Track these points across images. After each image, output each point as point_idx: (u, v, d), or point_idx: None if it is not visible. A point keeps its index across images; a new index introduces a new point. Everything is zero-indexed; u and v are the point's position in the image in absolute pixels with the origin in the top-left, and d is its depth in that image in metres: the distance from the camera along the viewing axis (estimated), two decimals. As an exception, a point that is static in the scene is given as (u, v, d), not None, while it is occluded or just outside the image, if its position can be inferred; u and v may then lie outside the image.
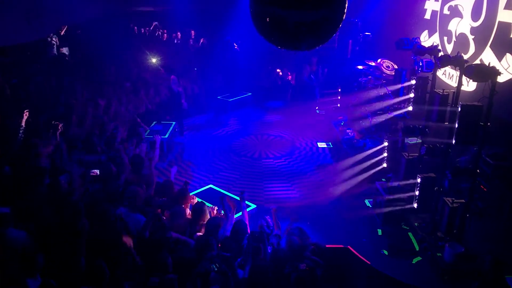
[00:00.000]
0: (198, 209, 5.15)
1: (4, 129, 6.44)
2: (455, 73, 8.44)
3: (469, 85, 8.02)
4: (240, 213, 5.42)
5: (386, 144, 8.51)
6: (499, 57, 7.42)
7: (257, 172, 9.25)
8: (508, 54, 7.22)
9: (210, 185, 7.35)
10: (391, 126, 8.98)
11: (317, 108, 12.94)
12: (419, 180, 6.96)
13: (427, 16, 10.40)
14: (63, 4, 11.57)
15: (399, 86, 8.61)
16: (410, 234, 6.97)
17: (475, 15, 8.24)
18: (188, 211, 5.36)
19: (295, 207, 7.47)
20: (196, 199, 5.88)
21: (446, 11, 9.44)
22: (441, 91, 6.54)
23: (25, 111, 6.13)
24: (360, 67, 11.04)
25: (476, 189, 6.29)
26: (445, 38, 9.43)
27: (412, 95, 8.30)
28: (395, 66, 10.26)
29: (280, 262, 4.35)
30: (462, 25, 8.75)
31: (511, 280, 4.53)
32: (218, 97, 13.16)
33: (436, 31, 9.90)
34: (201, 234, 4.89)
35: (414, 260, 6.40)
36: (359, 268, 5.59)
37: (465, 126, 5.82)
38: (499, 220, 6.65)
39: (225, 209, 5.18)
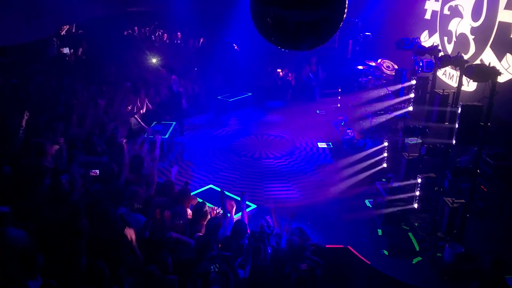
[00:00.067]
0: (199, 209, 5.15)
1: (4, 129, 6.43)
2: (455, 73, 8.44)
3: (469, 85, 8.02)
4: (240, 213, 5.42)
5: (386, 144, 8.51)
6: (500, 57, 7.41)
7: (257, 172, 9.25)
8: (508, 54, 7.21)
9: (210, 185, 7.34)
10: (391, 126, 8.98)
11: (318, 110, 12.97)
12: (419, 180, 6.96)
13: (427, 16, 10.40)
14: (63, 4, 11.57)
15: (399, 86, 8.61)
16: (410, 234, 6.97)
17: (475, 15, 8.24)
18: (189, 211, 5.36)
19: (295, 207, 7.46)
20: (197, 199, 5.88)
21: (446, 11, 9.44)
22: (441, 91, 6.54)
23: (26, 112, 6.13)
24: (360, 67, 11.05)
25: (476, 189, 6.29)
26: (445, 38, 9.43)
27: (412, 95, 8.30)
28: (395, 66, 10.26)
29: (280, 262, 4.35)
30: (462, 25, 8.75)
31: (511, 280, 4.53)
32: (218, 97, 13.16)
33: (436, 31, 9.90)
34: (201, 234, 4.89)
35: (414, 260, 6.40)
36: (359, 268, 5.59)
37: (465, 126, 5.82)
38: (499, 220, 6.65)
39: (224, 208, 5.19)
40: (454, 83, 8.49)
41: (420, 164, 7.18)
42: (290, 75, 13.90)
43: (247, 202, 5.97)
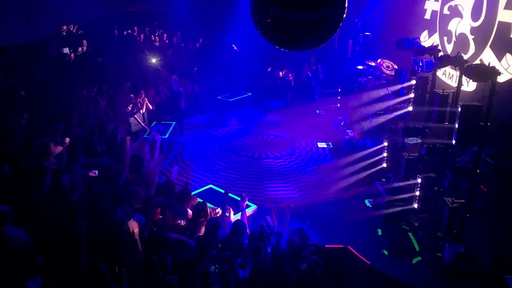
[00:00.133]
0: (199, 209, 5.15)
1: (4, 129, 6.43)
2: (455, 73, 8.44)
3: (469, 85, 8.03)
4: (240, 214, 5.41)
5: (386, 144, 8.51)
6: (499, 57, 7.42)
7: (257, 172, 9.26)
8: (508, 54, 7.22)
9: (210, 185, 7.34)
10: (391, 126, 8.99)
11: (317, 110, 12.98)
12: (419, 180, 6.96)
13: (427, 16, 10.41)
14: (63, 4, 11.58)
15: (399, 86, 8.62)
16: (410, 234, 6.97)
17: (475, 15, 8.25)
18: (189, 211, 5.36)
19: (295, 207, 7.46)
20: (197, 199, 5.88)
21: (446, 11, 9.44)
22: (441, 91, 6.54)
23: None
24: (360, 67, 11.05)
25: (476, 189, 6.29)
26: (445, 38, 9.43)
27: (412, 95, 8.30)
28: (395, 66, 10.27)
29: (280, 262, 4.35)
30: (462, 25, 8.75)
31: (511, 280, 4.53)
32: (218, 97, 13.17)
33: (436, 31, 9.90)
34: (201, 234, 4.89)
35: (414, 260, 6.40)
36: (359, 268, 5.59)
37: (465, 126, 5.83)
38: (499, 220, 6.65)
39: (224, 209, 5.19)
40: (454, 83, 8.49)
41: (420, 164, 7.19)
42: (290, 75, 13.91)
43: (247, 202, 5.97)
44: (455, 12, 9.03)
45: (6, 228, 3.92)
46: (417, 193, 7.06)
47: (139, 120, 9.69)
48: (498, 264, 4.37)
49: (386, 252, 6.53)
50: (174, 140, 10.47)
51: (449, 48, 9.19)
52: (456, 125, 5.92)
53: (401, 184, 7.25)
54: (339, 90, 13.17)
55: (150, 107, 10.23)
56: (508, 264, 4.64)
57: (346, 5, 3.31)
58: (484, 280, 4.42)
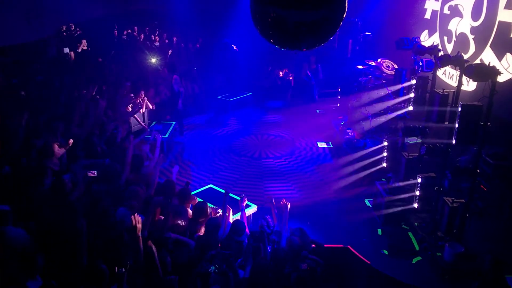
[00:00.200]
0: (200, 209, 5.15)
1: (4, 129, 6.43)
2: (455, 73, 8.44)
3: (469, 85, 8.03)
4: (239, 214, 5.41)
5: (386, 143, 8.51)
6: (499, 56, 7.42)
7: (257, 172, 9.25)
8: (508, 54, 7.22)
9: (210, 185, 7.34)
10: (391, 126, 8.99)
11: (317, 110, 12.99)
12: (419, 180, 6.96)
13: (427, 15, 10.41)
14: (63, 4, 11.58)
15: (399, 86, 8.62)
16: (410, 234, 6.97)
17: (475, 14, 8.24)
18: (189, 211, 5.37)
19: (295, 207, 7.46)
20: (197, 199, 5.88)
21: (446, 10, 9.44)
22: (441, 91, 6.54)
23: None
24: (360, 66, 11.05)
25: (476, 189, 6.29)
26: (445, 38, 9.43)
27: (412, 95, 8.30)
28: (395, 66, 10.27)
29: (281, 262, 4.35)
30: (462, 25, 8.75)
31: (511, 280, 4.53)
32: (218, 97, 13.17)
33: (436, 31, 9.90)
34: (201, 234, 4.89)
35: (414, 260, 6.40)
36: (359, 268, 5.59)
37: (465, 126, 5.82)
38: (499, 219, 6.66)
39: (225, 209, 5.19)
40: (454, 83, 8.49)
41: (420, 164, 7.18)
42: (290, 75, 13.91)
43: (247, 202, 5.97)
44: (455, 11, 9.03)
45: (6, 228, 3.92)
46: (417, 192, 7.06)
47: (139, 120, 9.69)
48: (498, 264, 4.37)
49: (386, 252, 6.53)
50: (174, 140, 10.48)
51: (449, 47, 9.19)
52: (456, 125, 5.92)
53: (401, 184, 7.25)
54: (339, 89, 13.18)
55: (150, 106, 10.24)
56: (508, 264, 4.64)
57: (346, 5, 3.31)
58: (484, 280, 4.42)
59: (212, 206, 5.50)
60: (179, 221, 4.99)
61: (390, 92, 9.05)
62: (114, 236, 4.14)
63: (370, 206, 7.81)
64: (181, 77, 11.72)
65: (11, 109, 7.12)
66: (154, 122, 10.19)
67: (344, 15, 3.34)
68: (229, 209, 5.23)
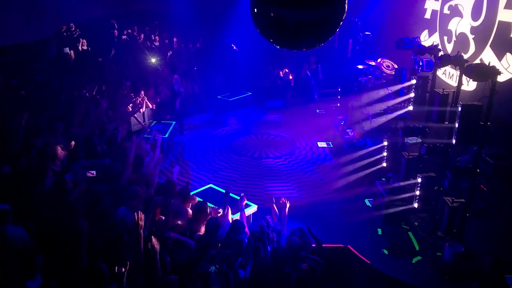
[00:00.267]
0: (200, 209, 5.15)
1: (4, 129, 6.44)
2: (455, 73, 8.44)
3: (469, 85, 8.03)
4: (239, 214, 5.41)
5: (386, 143, 8.51)
6: (499, 56, 7.41)
7: (257, 171, 9.25)
8: (508, 54, 7.21)
9: (210, 185, 7.35)
10: (391, 126, 8.99)
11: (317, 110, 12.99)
12: (419, 179, 6.96)
13: (427, 15, 10.40)
14: (63, 4, 11.58)
15: (399, 86, 8.62)
16: (410, 233, 6.97)
17: (475, 14, 8.24)
18: (189, 211, 5.37)
19: (295, 207, 7.46)
20: (197, 199, 5.88)
21: (446, 10, 9.44)
22: (441, 91, 6.54)
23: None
24: (360, 66, 11.05)
25: (476, 189, 6.29)
26: (445, 38, 9.43)
27: (412, 94, 8.30)
28: (395, 66, 10.27)
29: (281, 262, 4.35)
30: (462, 25, 8.75)
31: (511, 280, 4.53)
32: (218, 96, 13.17)
33: (436, 31, 9.90)
34: (201, 234, 4.89)
35: (414, 260, 6.40)
36: (359, 268, 5.59)
37: (465, 126, 5.82)
38: (499, 219, 6.66)
39: (225, 209, 5.19)
40: (454, 83, 8.49)
41: (420, 164, 7.18)
42: (290, 75, 13.91)
43: (247, 202, 5.97)
44: (455, 11, 9.03)
45: (6, 227, 3.92)
46: (417, 192, 7.06)
47: (139, 120, 9.70)
48: (498, 263, 4.37)
49: (386, 252, 6.54)
50: (174, 139, 10.48)
51: (449, 47, 9.19)
52: (456, 125, 5.92)
53: (401, 183, 7.25)
54: (339, 89, 13.18)
55: (150, 106, 10.24)
56: (508, 263, 4.64)
57: (346, 4, 3.31)
58: (484, 280, 4.42)
59: (212, 206, 5.50)
60: (179, 221, 4.99)
61: (390, 92, 9.05)
62: (114, 236, 4.14)
63: (370, 206, 7.81)
64: (181, 77, 11.72)
65: (11, 109, 7.12)
66: (154, 122, 10.19)
67: (344, 15, 3.34)
68: (229, 209, 5.24)
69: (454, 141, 6.04)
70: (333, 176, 8.88)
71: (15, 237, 3.89)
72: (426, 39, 10.16)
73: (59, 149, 5.81)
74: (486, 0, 7.88)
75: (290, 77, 13.79)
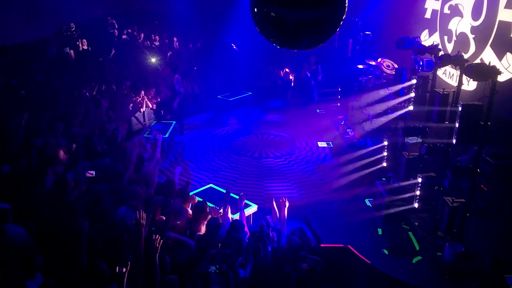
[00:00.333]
0: (200, 208, 5.15)
1: (4, 129, 6.44)
2: (456, 73, 8.44)
3: (470, 85, 8.02)
4: (238, 214, 5.41)
5: (386, 143, 8.51)
6: (500, 56, 7.41)
7: (257, 171, 9.25)
8: (508, 53, 7.21)
9: (211, 185, 7.35)
10: (391, 126, 8.98)
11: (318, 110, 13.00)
12: (419, 179, 6.95)
13: (428, 15, 10.40)
14: (63, 4, 11.58)
15: (399, 86, 8.61)
16: (410, 233, 6.97)
17: (475, 14, 8.24)
18: (189, 211, 5.36)
19: (295, 207, 7.46)
20: (197, 199, 5.88)
21: (446, 10, 9.43)
22: (442, 91, 6.53)
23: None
24: (360, 66, 11.04)
25: (477, 189, 6.29)
26: (446, 37, 9.43)
27: (412, 94, 8.30)
28: (396, 66, 10.26)
29: (281, 262, 4.35)
30: (462, 24, 8.74)
31: (511, 280, 4.53)
32: (219, 96, 13.17)
33: (436, 30, 9.89)
34: (201, 234, 4.89)
35: (414, 260, 6.39)
36: (359, 268, 5.58)
37: (465, 126, 5.82)
38: (499, 219, 6.65)
39: (225, 209, 5.19)
40: (454, 82, 8.49)
41: (420, 164, 7.18)
42: (290, 75, 13.91)
43: (247, 202, 5.96)
44: (456, 11, 9.03)
45: (6, 226, 3.93)
46: (418, 192, 7.06)
47: (139, 120, 9.69)
48: (498, 263, 4.37)
49: (386, 252, 6.53)
50: (174, 139, 10.47)
51: (450, 47, 9.18)
52: (457, 125, 5.91)
53: (401, 183, 7.25)
54: (339, 89, 13.18)
55: (150, 105, 10.24)
56: (508, 263, 4.64)
57: (346, 4, 3.31)
58: (484, 280, 4.42)
59: (212, 205, 5.50)
60: (179, 221, 4.99)
61: (390, 92, 9.05)
62: (114, 236, 4.14)
63: (370, 206, 7.80)
64: (182, 76, 11.72)
65: (11, 109, 7.13)
66: (154, 122, 10.19)
67: (344, 15, 3.34)
68: (229, 208, 5.23)
69: (454, 141, 6.04)
70: (333, 176, 8.88)
71: (15, 237, 3.90)
72: (426, 39, 10.16)
73: (61, 153, 5.82)
74: (486, 0, 7.87)
75: (291, 77, 13.78)
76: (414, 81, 8.10)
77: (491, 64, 5.73)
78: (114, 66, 11.96)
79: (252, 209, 6.43)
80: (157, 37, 14.84)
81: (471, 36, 8.38)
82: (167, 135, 9.57)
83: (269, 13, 3.25)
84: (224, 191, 5.46)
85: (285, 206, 5.14)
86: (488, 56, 7.64)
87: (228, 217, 5.12)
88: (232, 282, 3.88)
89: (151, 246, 3.77)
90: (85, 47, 12.20)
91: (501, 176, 6.53)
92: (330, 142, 10.63)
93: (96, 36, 12.73)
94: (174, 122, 10.43)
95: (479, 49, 8.05)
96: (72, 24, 11.94)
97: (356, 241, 6.47)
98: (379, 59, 10.66)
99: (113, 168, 5.80)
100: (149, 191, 5.47)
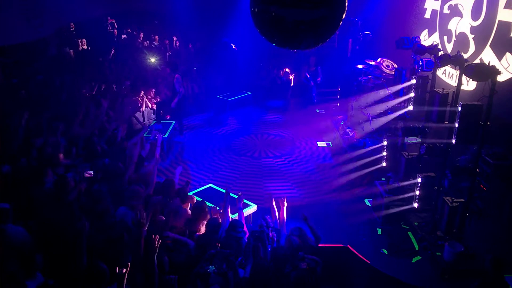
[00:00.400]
0: (199, 208, 5.15)
1: (4, 129, 6.44)
2: (455, 72, 8.44)
3: (469, 85, 8.03)
4: (237, 214, 5.42)
5: (385, 143, 8.51)
6: (499, 56, 7.41)
7: (257, 171, 9.25)
8: (508, 53, 7.21)
9: (210, 184, 7.35)
10: (391, 126, 8.98)
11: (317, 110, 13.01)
12: (419, 179, 6.96)
13: (427, 15, 10.40)
14: (63, 4, 11.58)
15: (399, 86, 8.62)
16: (409, 233, 6.97)
17: (475, 14, 8.24)
18: (189, 211, 5.37)
19: (295, 207, 7.47)
20: (196, 199, 5.88)
21: (446, 10, 9.44)
22: (441, 91, 6.54)
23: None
24: (360, 66, 11.04)
25: (476, 189, 6.29)
26: (445, 37, 9.43)
27: (412, 94, 8.30)
28: (395, 66, 10.26)
29: (280, 262, 4.35)
30: (462, 24, 8.75)
31: (511, 279, 4.53)
32: (218, 96, 13.16)
33: (436, 30, 9.90)
34: (201, 234, 4.89)
35: (414, 260, 6.40)
36: (359, 268, 5.60)
37: (465, 126, 5.83)
38: (499, 219, 6.66)
39: (225, 208, 5.19)
40: (453, 82, 8.49)
41: (420, 164, 7.19)
42: (290, 74, 13.90)
43: (246, 201, 5.97)
44: (455, 11, 9.03)
45: (6, 226, 3.93)
46: (417, 192, 7.06)
47: (139, 119, 9.69)
48: (498, 263, 4.37)
49: (385, 251, 6.54)
50: (174, 139, 10.47)
51: (449, 47, 9.19)
52: (456, 124, 5.92)
53: (401, 183, 7.25)
54: (339, 89, 13.17)
55: (150, 105, 10.24)
56: (508, 263, 4.64)
57: (346, 4, 3.31)
58: (484, 279, 4.43)
59: (212, 205, 5.50)
60: (178, 221, 4.99)
61: (390, 92, 9.05)
62: (114, 236, 4.14)
63: (370, 205, 7.81)
64: (181, 76, 11.71)
65: (11, 108, 7.13)
66: (154, 121, 10.19)
67: (344, 14, 3.34)
68: (229, 207, 5.23)
69: (454, 141, 6.04)
70: (333, 176, 8.88)
71: (15, 236, 3.90)
72: (426, 39, 10.16)
73: (61, 156, 5.84)
74: (486, 0, 7.88)
75: (290, 77, 13.78)
76: (413, 81, 8.11)
77: (491, 64, 5.73)
78: (114, 66, 11.96)
79: (251, 209, 6.43)
80: (156, 37, 14.83)
81: (470, 36, 8.38)
82: (166, 135, 9.57)
83: (269, 12, 3.25)
84: (224, 191, 5.46)
85: (284, 205, 5.15)
86: (488, 56, 7.65)
87: (228, 217, 5.13)
88: (231, 282, 3.88)
89: (150, 246, 3.78)
90: (85, 47, 12.20)
91: (500, 176, 6.54)
92: (330, 142, 10.64)
93: (96, 36, 12.73)
94: (173, 122, 10.43)
95: (479, 49, 8.06)
96: (72, 23, 11.94)
97: (355, 241, 6.49)
98: (379, 59, 10.66)
99: (113, 168, 5.80)
100: (148, 190, 5.47)
